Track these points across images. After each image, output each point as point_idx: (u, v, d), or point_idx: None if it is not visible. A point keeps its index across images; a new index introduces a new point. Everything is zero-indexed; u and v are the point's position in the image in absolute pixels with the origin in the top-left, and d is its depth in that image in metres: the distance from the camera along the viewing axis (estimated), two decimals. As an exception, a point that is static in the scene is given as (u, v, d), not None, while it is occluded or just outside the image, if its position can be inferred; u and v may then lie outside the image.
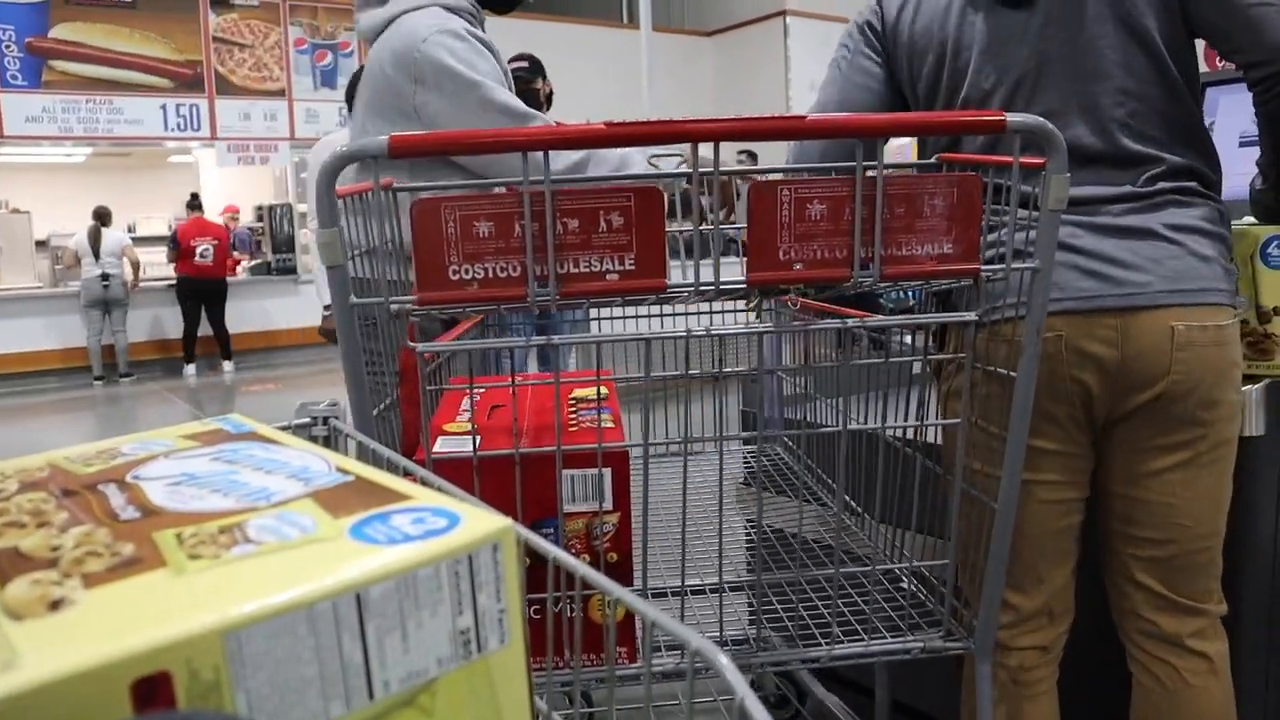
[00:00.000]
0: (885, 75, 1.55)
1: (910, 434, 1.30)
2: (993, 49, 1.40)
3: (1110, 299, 1.31)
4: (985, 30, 1.41)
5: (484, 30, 2.16)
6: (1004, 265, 1.06)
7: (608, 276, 0.98)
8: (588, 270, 0.97)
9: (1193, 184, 1.36)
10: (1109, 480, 1.41)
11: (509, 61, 3.68)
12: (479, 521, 0.45)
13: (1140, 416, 1.34)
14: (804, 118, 0.94)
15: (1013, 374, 1.15)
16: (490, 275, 0.96)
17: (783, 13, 12.68)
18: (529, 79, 3.78)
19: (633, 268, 0.97)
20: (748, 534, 1.73)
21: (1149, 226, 1.33)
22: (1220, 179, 1.42)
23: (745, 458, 1.94)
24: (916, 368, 1.36)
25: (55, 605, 0.38)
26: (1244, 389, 1.50)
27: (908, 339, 1.46)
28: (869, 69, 1.55)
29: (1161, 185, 1.35)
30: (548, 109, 3.77)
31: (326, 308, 3.70)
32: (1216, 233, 1.36)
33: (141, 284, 10.22)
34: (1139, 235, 1.33)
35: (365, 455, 0.82)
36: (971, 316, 1.10)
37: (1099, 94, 1.36)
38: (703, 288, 1.00)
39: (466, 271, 0.96)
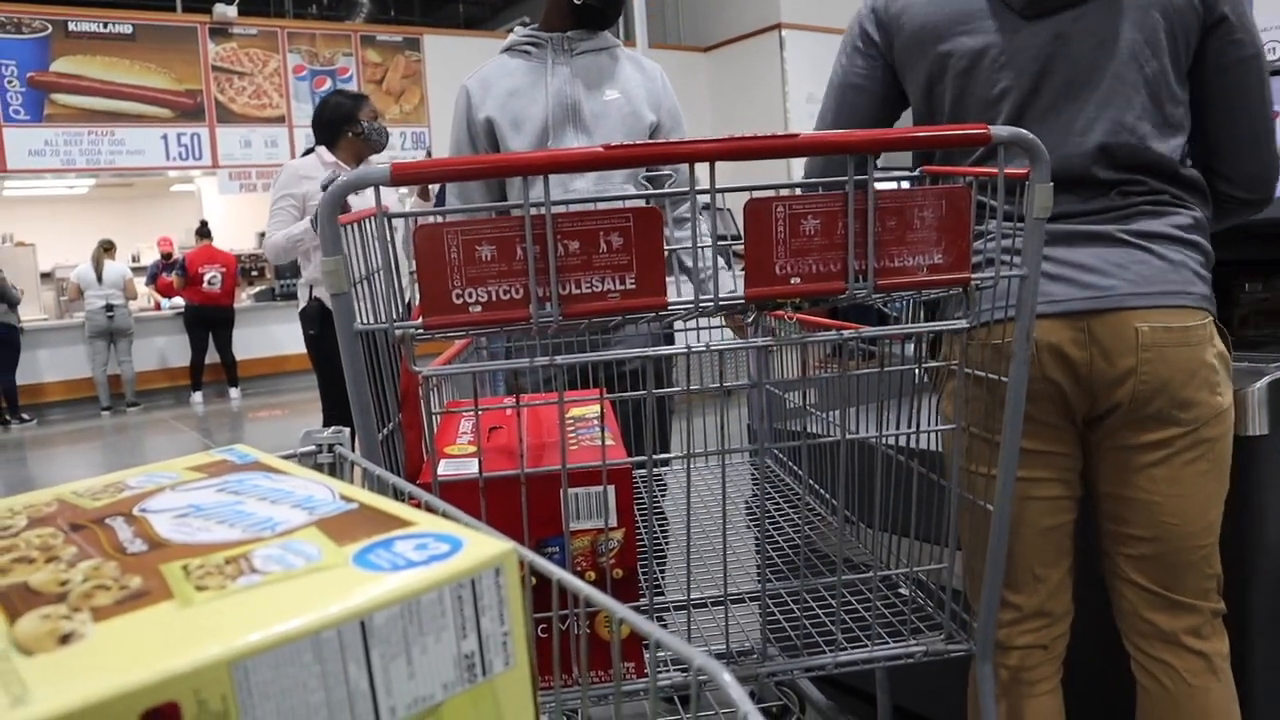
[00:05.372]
0: (884, 73, 1.53)
1: (905, 443, 1.32)
2: (1004, 59, 1.41)
3: (1078, 302, 1.35)
4: (998, 39, 1.41)
5: (554, 51, 2.27)
6: (993, 274, 1.07)
7: (609, 296, 0.98)
8: (589, 291, 0.98)
9: (1166, 196, 1.39)
10: (1096, 480, 1.44)
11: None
12: (481, 546, 0.45)
13: (1116, 416, 1.37)
14: (797, 136, 0.95)
15: (1002, 379, 1.17)
16: (493, 298, 0.97)
17: (778, 26, 12.73)
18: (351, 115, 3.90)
19: (634, 287, 0.98)
20: (758, 546, 1.74)
21: (1116, 234, 1.37)
22: (1206, 210, 1.44)
23: (753, 474, 1.95)
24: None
25: (65, 639, 0.39)
26: (1250, 388, 1.50)
27: (908, 349, 1.47)
28: (867, 68, 1.54)
29: (1134, 199, 1.38)
30: (373, 135, 3.89)
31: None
32: (1189, 240, 1.38)
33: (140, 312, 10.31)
34: (1106, 242, 1.37)
35: (370, 481, 0.83)
36: (963, 324, 1.11)
37: (1092, 121, 1.38)
38: (703, 304, 1.01)
39: (470, 295, 0.97)
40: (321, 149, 3.89)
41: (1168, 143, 1.39)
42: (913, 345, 1.37)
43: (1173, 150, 1.40)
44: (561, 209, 0.97)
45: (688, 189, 1.01)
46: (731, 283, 2.29)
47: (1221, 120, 1.43)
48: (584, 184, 2.22)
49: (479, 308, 0.97)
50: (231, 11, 11.12)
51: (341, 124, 3.85)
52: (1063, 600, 1.47)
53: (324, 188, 3.68)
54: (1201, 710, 1.39)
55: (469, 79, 2.32)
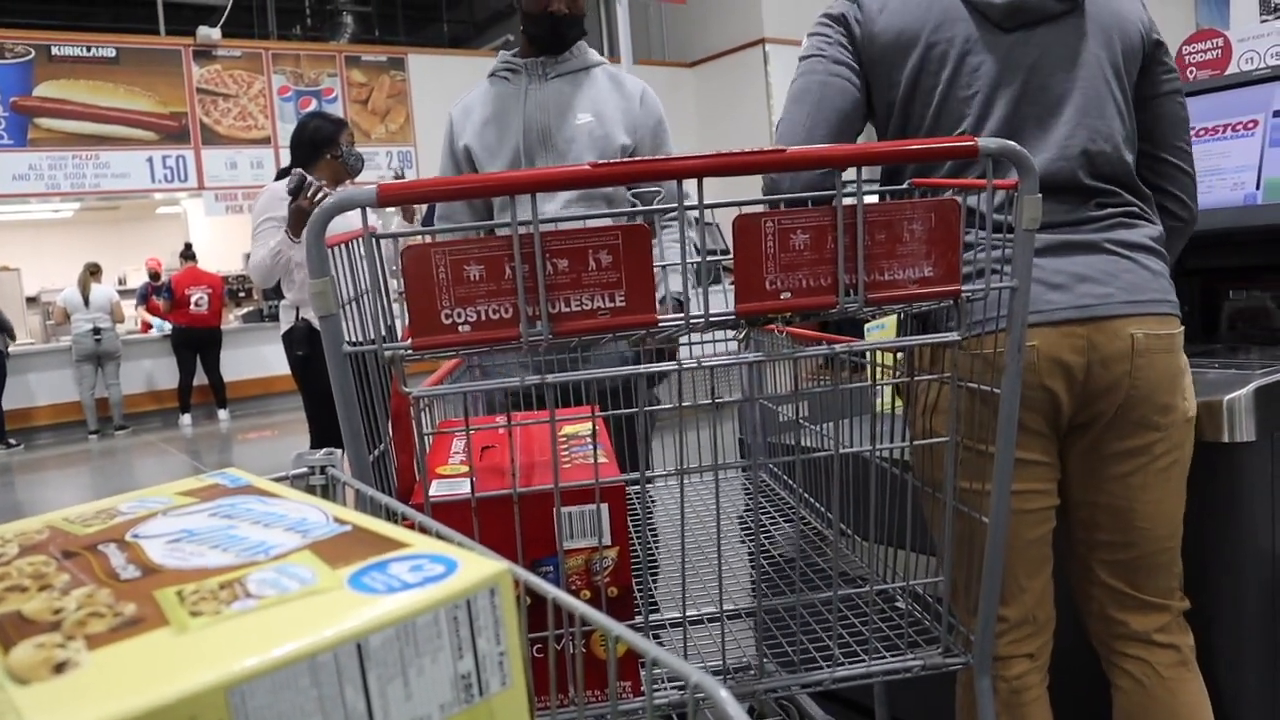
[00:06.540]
0: (861, 78, 1.49)
1: (900, 455, 1.32)
2: (981, 69, 1.43)
3: (1076, 310, 1.38)
4: (979, 50, 1.43)
5: (528, 76, 2.30)
6: (983, 285, 1.08)
7: (599, 314, 0.98)
8: (579, 309, 0.98)
9: (1135, 209, 1.46)
10: (1071, 488, 1.46)
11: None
12: (476, 566, 0.45)
13: (1101, 423, 1.40)
14: (784, 150, 0.95)
15: (995, 390, 1.17)
16: (483, 318, 0.97)
17: (761, 41, 12.80)
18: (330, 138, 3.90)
19: (623, 304, 0.98)
20: (753, 561, 1.73)
21: (1103, 244, 1.41)
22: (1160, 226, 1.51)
23: (746, 487, 1.94)
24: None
25: (60, 668, 0.39)
26: (1236, 394, 1.51)
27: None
28: (847, 71, 1.49)
29: (1110, 210, 1.44)
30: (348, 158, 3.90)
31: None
32: (1160, 251, 1.46)
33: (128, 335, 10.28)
34: (1095, 251, 1.41)
35: (363, 503, 0.83)
36: (955, 337, 1.12)
37: (1073, 129, 1.43)
38: (693, 320, 1.01)
39: (459, 315, 0.97)
40: (298, 171, 3.89)
41: (1132, 155, 1.47)
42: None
43: (1134, 163, 1.48)
44: (550, 227, 0.97)
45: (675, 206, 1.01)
46: (721, 299, 2.28)
47: (1165, 143, 1.54)
48: (553, 206, 2.21)
49: (468, 327, 0.97)
50: (215, 33, 11.12)
51: (323, 146, 3.87)
52: (1046, 608, 1.49)
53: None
54: (1175, 701, 1.43)
55: (455, 106, 2.39)
